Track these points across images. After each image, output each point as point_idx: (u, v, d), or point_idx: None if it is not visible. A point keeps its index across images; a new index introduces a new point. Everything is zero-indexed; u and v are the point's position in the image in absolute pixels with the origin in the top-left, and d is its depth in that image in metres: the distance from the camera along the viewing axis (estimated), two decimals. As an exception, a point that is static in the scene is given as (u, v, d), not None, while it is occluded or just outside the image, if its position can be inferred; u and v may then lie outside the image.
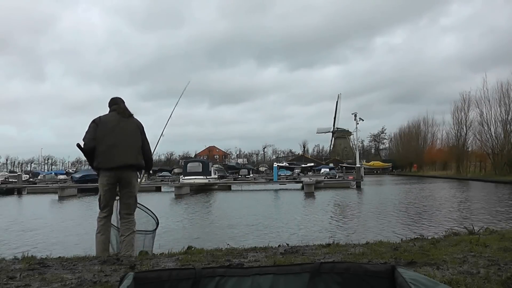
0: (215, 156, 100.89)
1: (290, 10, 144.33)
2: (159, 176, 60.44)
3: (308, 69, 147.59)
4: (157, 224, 4.96)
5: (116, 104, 4.51)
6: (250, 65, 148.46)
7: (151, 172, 4.96)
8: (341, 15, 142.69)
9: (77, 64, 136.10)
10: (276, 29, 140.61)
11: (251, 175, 61.68)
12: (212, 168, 39.84)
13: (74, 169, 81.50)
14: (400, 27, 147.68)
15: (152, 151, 4.70)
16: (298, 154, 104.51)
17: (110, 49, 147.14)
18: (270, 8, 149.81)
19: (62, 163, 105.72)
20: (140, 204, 4.78)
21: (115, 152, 4.23)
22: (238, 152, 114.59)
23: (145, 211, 4.89)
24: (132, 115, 4.52)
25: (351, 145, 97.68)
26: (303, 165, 74.78)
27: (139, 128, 4.46)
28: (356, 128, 49.04)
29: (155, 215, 4.96)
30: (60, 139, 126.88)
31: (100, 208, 4.37)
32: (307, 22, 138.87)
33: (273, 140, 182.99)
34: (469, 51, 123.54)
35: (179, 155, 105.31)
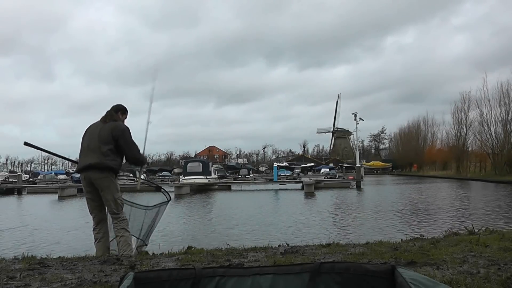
0: (215, 156, 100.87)
1: (305, 8, 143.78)
2: (159, 176, 60.47)
3: (318, 68, 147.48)
4: (168, 200, 5.25)
5: (108, 111, 4.62)
6: (259, 64, 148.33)
7: (144, 168, 4.94)
8: (354, 14, 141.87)
9: (86, 64, 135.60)
10: (289, 28, 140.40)
11: (251, 175, 61.69)
12: (212, 168, 39.85)
13: (74, 169, 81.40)
14: (411, 26, 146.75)
15: (138, 150, 4.59)
16: (298, 154, 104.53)
17: (121, 48, 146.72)
18: (286, 7, 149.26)
19: (62, 163, 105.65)
20: (150, 182, 5.05)
21: (81, 155, 4.45)
22: (238, 152, 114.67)
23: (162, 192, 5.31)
24: (115, 120, 4.51)
25: (351, 145, 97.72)
26: (303, 165, 74.81)
27: (112, 132, 4.37)
28: (356, 128, 49.11)
29: (167, 192, 5.35)
30: (64, 139, 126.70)
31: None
32: (320, 21, 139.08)
33: (277, 139, 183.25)
34: (479, 50, 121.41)
35: (179, 155, 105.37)
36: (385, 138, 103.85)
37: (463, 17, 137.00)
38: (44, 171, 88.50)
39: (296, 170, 66.59)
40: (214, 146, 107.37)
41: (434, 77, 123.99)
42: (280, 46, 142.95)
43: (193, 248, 4.22)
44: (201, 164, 37.07)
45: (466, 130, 51.15)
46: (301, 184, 33.51)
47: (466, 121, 50.83)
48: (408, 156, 73.85)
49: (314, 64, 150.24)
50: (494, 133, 44.55)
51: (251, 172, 66.62)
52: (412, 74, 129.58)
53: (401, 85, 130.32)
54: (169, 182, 39.68)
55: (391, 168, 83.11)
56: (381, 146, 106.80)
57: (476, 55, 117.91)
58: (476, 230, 4.93)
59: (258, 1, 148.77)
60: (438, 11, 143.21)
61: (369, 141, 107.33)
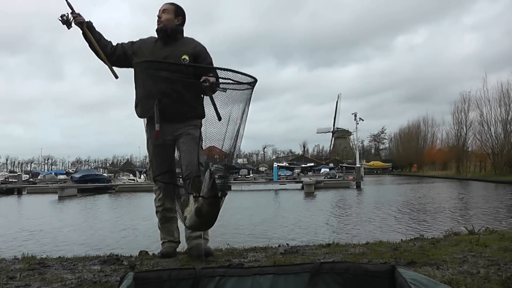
0: (215, 156, 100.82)
1: (321, 8, 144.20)
2: (159, 176, 60.37)
3: (327, 67, 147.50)
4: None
5: None
6: (270, 64, 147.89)
7: None
8: (368, 13, 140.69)
9: (96, 63, 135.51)
10: (302, 28, 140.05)
11: (251, 175, 61.68)
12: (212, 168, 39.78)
13: (74, 169, 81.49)
14: (423, 25, 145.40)
15: None
16: (298, 154, 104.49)
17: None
18: (302, 7, 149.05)
19: (62, 163, 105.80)
20: None
21: None
22: (238, 152, 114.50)
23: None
24: None
25: (351, 145, 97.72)
26: (303, 165, 74.81)
27: None
28: (356, 128, 49.18)
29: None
30: (67, 139, 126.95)
31: None
32: (334, 20, 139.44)
33: (278, 140, 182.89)
34: (490, 50, 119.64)
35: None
36: (385, 138, 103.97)
37: (476, 16, 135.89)
38: (44, 171, 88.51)
39: (296, 170, 66.58)
40: (214, 146, 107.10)
41: (443, 77, 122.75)
42: (292, 46, 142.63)
43: (193, 248, 4.21)
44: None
45: (466, 130, 51.28)
46: (301, 184, 33.51)
47: (466, 121, 51.00)
48: (408, 156, 73.90)
49: (324, 63, 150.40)
50: (494, 133, 44.66)
51: (251, 172, 66.60)
52: (421, 74, 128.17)
53: (409, 84, 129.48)
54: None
55: (391, 168, 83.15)
56: (381, 146, 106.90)
57: (487, 55, 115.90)
58: (476, 230, 4.93)
59: (276, 0, 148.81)
60: (451, 10, 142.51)
61: (369, 141, 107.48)
